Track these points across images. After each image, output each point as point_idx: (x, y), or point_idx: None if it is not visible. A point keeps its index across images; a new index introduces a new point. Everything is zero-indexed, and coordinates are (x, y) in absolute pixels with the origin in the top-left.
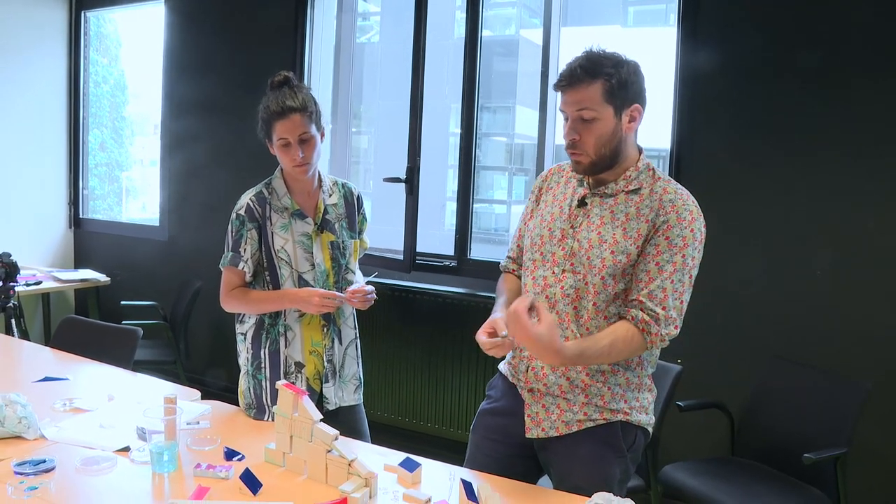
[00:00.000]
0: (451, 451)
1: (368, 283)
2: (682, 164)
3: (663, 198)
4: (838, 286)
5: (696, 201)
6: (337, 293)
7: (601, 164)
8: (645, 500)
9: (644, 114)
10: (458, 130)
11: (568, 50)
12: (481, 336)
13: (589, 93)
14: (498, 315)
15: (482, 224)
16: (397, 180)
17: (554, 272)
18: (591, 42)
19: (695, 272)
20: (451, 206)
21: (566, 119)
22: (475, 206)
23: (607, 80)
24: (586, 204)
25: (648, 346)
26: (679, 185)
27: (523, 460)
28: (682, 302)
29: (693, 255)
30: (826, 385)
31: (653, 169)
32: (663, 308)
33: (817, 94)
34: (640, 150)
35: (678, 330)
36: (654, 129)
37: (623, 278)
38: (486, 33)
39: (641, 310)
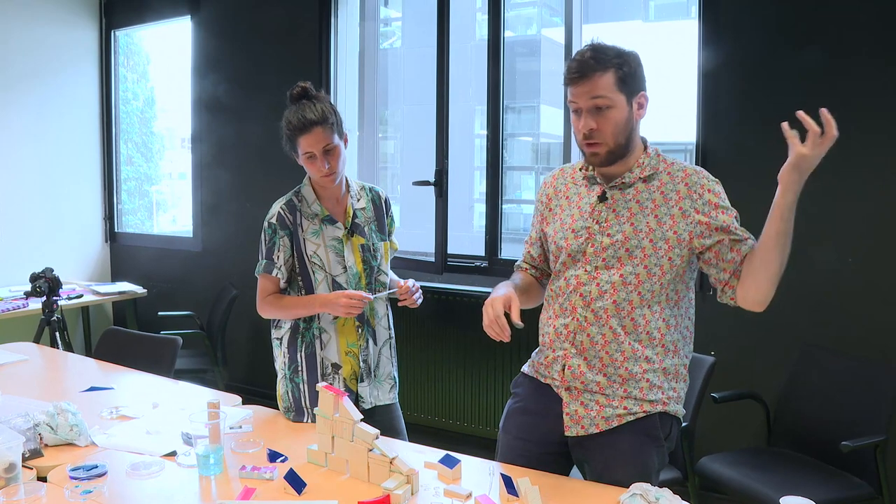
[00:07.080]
0: (485, 450)
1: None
2: (708, 155)
3: (688, 180)
4: (870, 273)
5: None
6: (364, 293)
7: (617, 153)
8: (682, 493)
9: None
10: (484, 132)
11: None
12: (499, 306)
13: (603, 81)
14: (511, 293)
15: (510, 224)
16: (426, 183)
17: (587, 270)
18: (612, 37)
19: None
20: (479, 208)
21: (577, 113)
22: (503, 206)
23: (618, 69)
24: (607, 198)
25: None
26: (688, 163)
27: (555, 457)
28: None
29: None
30: (861, 372)
31: (661, 154)
32: None
33: (844, 78)
34: (643, 140)
35: None
36: (679, 122)
37: (671, 267)
38: (507, 34)
39: None
